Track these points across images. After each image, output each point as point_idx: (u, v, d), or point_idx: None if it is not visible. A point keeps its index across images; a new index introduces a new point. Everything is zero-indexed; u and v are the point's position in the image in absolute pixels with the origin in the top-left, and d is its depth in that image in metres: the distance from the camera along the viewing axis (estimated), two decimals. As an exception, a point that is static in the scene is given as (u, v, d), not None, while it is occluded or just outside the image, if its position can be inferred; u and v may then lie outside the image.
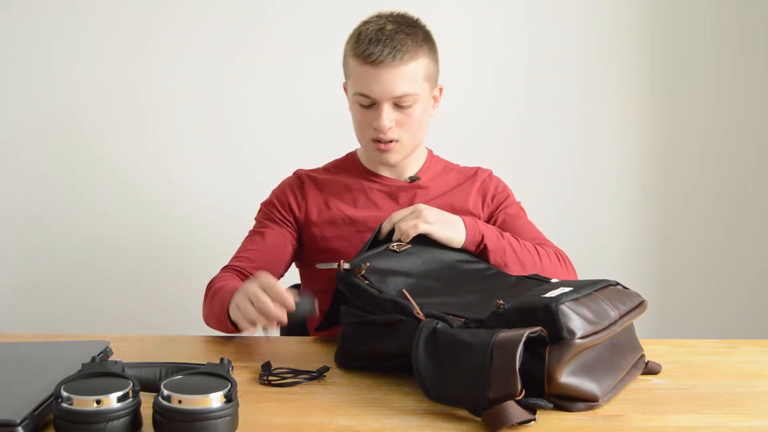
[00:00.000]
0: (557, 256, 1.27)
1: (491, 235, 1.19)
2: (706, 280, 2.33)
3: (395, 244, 1.09)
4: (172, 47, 2.19)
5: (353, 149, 1.47)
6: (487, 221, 1.37)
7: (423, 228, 1.11)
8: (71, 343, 1.04)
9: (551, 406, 0.79)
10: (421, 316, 0.89)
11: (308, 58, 2.21)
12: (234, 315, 1.07)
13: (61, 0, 2.17)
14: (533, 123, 2.27)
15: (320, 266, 1.07)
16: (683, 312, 2.29)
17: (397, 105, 1.25)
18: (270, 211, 1.41)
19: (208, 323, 1.24)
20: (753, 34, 2.28)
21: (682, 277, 2.33)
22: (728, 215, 2.33)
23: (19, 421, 0.72)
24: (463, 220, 1.17)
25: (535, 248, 1.24)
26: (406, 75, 1.23)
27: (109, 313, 2.21)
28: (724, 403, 0.86)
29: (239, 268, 1.32)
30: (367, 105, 1.26)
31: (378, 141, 1.28)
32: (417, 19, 1.31)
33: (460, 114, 2.14)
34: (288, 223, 1.39)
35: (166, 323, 2.19)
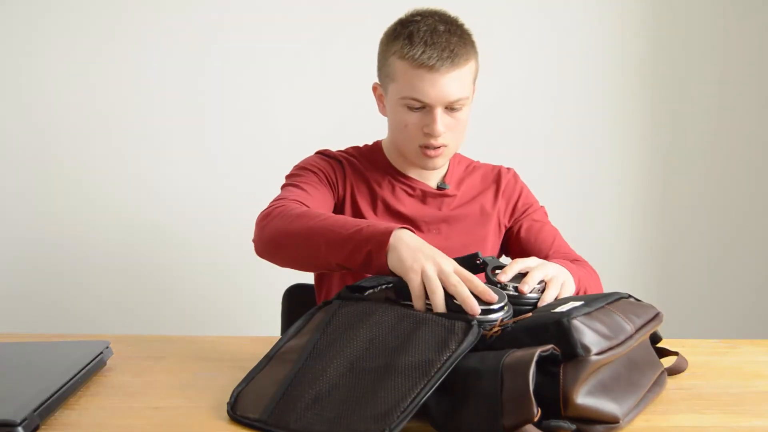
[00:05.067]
0: (593, 271, 1.26)
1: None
2: (707, 280, 2.33)
3: (494, 328, 0.82)
4: (168, 48, 2.19)
5: (374, 141, 1.41)
6: (510, 227, 1.36)
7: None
8: (71, 343, 1.04)
9: (574, 427, 0.73)
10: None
11: (309, 58, 2.21)
12: (403, 269, 0.90)
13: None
14: (534, 125, 2.27)
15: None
16: (683, 312, 2.28)
17: (448, 109, 1.20)
18: (313, 169, 1.29)
19: (273, 246, 1.09)
20: (758, 35, 2.28)
21: (683, 278, 2.33)
22: (729, 215, 2.33)
23: (19, 421, 0.72)
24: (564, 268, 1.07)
25: (584, 271, 1.20)
26: (460, 79, 1.19)
27: (109, 313, 2.21)
28: (724, 403, 0.86)
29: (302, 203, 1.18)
30: (416, 109, 1.21)
31: (427, 147, 1.23)
32: (457, 18, 1.26)
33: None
34: (333, 189, 1.30)
35: (166, 323, 2.19)
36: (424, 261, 0.90)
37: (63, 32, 2.17)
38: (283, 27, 2.19)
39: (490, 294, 0.86)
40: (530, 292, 0.94)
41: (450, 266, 0.90)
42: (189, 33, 2.19)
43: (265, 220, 1.12)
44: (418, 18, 1.21)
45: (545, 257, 1.24)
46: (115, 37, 2.18)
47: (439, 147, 1.23)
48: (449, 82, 1.17)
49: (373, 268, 0.97)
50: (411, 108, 1.20)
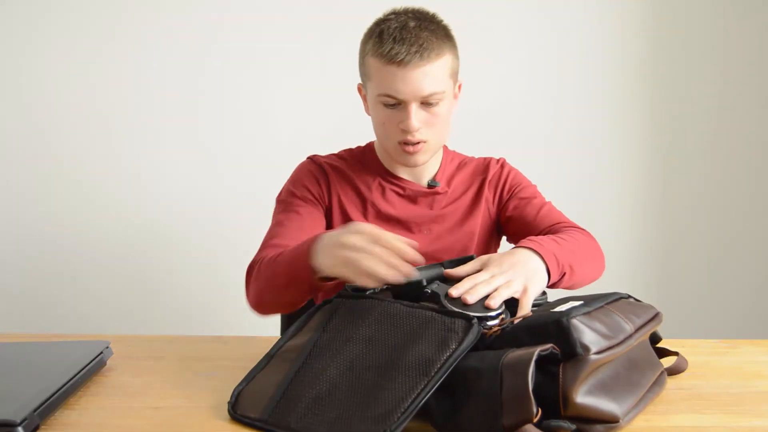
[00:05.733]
0: (583, 234, 1.21)
1: (548, 251, 1.08)
2: (707, 280, 2.33)
3: (494, 327, 0.83)
4: (168, 48, 2.19)
5: (365, 142, 1.41)
6: (499, 211, 1.36)
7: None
8: (71, 343, 1.04)
9: (573, 427, 0.73)
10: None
11: (309, 58, 2.21)
12: (337, 272, 0.93)
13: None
14: (534, 125, 2.27)
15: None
16: (683, 312, 2.29)
17: (424, 104, 1.21)
18: (298, 191, 1.31)
19: (259, 302, 1.14)
20: (758, 35, 2.28)
21: (683, 278, 2.33)
22: (729, 215, 2.33)
23: (19, 421, 0.73)
24: (536, 253, 1.04)
25: (564, 238, 1.15)
26: (432, 73, 1.19)
27: (109, 313, 2.21)
28: (724, 403, 0.86)
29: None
30: (392, 105, 1.21)
31: (406, 143, 1.23)
32: (434, 14, 1.26)
33: (461, 113, 2.13)
34: (320, 202, 1.32)
35: (166, 323, 2.19)
36: (343, 252, 0.92)
37: (63, 32, 2.17)
38: (283, 27, 2.20)
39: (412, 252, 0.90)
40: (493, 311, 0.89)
41: (363, 240, 0.90)
42: (189, 33, 2.19)
43: (249, 277, 1.16)
44: (392, 16, 1.23)
45: (535, 229, 1.27)
46: (115, 37, 2.18)
47: (417, 143, 1.23)
48: (421, 77, 1.18)
49: (320, 288, 1.02)
50: (387, 105, 1.21)
